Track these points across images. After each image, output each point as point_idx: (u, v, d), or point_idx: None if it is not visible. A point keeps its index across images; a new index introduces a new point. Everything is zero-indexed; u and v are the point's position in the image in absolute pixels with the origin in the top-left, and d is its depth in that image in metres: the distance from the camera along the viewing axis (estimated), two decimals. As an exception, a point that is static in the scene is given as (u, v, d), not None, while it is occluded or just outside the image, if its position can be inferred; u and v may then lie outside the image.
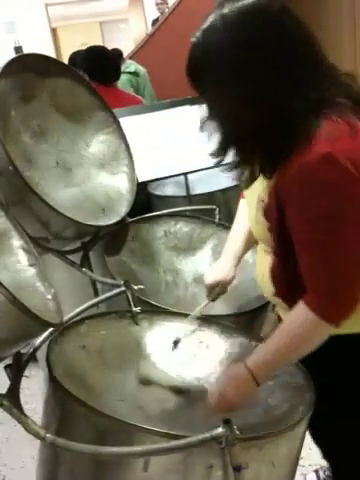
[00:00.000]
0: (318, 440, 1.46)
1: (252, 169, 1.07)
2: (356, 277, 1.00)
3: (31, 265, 1.12)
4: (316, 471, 1.86)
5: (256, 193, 1.12)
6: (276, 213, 1.05)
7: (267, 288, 1.21)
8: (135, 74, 5.41)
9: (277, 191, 1.02)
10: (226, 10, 0.96)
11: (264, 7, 0.95)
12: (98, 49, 3.03)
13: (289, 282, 1.11)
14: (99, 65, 2.52)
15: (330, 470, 1.70)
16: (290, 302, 1.09)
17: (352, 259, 0.99)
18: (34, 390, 2.32)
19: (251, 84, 0.95)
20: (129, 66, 5.47)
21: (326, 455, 1.50)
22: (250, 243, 1.41)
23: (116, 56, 2.87)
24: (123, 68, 5.52)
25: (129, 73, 5.43)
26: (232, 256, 1.42)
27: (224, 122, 1.02)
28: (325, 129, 0.96)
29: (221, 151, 1.05)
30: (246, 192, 1.22)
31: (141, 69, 5.46)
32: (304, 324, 1.02)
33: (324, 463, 1.87)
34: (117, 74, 2.92)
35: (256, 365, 1.06)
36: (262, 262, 1.23)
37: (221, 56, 0.95)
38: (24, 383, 2.64)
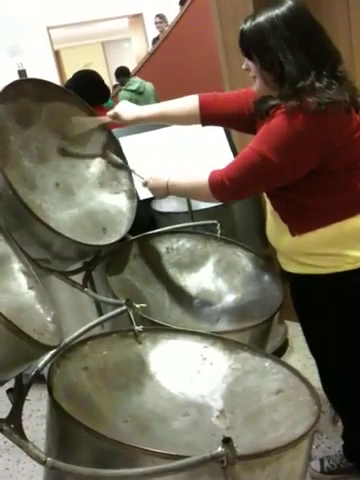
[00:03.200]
0: (327, 388, 1.71)
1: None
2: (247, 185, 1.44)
3: (31, 288, 1.13)
4: (321, 459, 1.87)
5: None
6: None
7: (279, 243, 1.57)
8: (136, 92, 5.44)
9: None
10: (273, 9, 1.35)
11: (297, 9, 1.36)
12: (84, 74, 3.07)
13: (290, 210, 1.48)
14: (86, 89, 2.58)
15: (335, 457, 1.78)
16: (296, 227, 1.48)
17: (257, 175, 1.40)
18: (45, 412, 2.32)
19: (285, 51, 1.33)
20: (132, 84, 5.51)
21: (334, 403, 1.77)
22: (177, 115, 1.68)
23: (102, 79, 2.98)
24: (125, 85, 5.60)
25: (130, 91, 5.48)
26: (147, 108, 1.71)
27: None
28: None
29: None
30: None
31: (148, 86, 5.48)
32: (203, 185, 1.47)
33: (331, 453, 1.89)
34: (105, 96, 2.97)
35: (173, 183, 1.58)
36: (271, 221, 1.58)
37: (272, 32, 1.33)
38: (34, 405, 2.65)
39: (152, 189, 1.67)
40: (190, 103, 1.63)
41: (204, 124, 1.66)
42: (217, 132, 2.18)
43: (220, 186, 1.44)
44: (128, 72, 5.83)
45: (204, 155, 2.16)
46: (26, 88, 1.55)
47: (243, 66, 1.45)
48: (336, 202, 1.43)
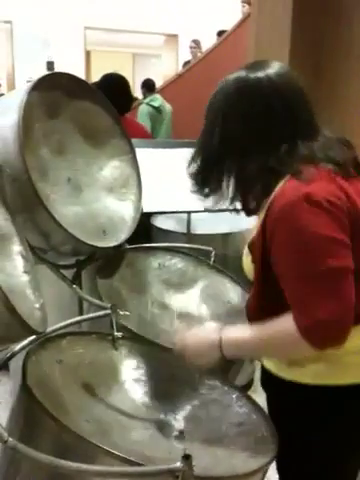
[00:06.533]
0: None
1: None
2: (344, 308, 1.03)
3: (25, 272, 1.15)
4: None
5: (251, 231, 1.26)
6: (261, 246, 1.14)
7: None
8: (157, 109, 5.50)
9: (264, 227, 1.13)
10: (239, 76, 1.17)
11: (266, 81, 1.14)
12: (114, 80, 2.99)
13: (264, 310, 1.15)
14: (113, 96, 2.59)
15: None
16: None
17: (338, 290, 1.04)
18: (1, 399, 2.31)
19: (248, 136, 1.14)
20: (155, 100, 5.56)
21: None
22: None
23: (129, 88, 2.95)
24: (147, 100, 5.65)
25: (152, 107, 5.53)
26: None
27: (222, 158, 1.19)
28: (305, 172, 1.09)
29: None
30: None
31: (167, 107, 5.55)
32: (290, 337, 1.07)
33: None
34: (129, 106, 2.95)
35: (228, 339, 1.15)
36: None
37: (227, 113, 1.16)
38: (-6, 392, 2.59)
39: (196, 354, 1.21)
40: None
41: None
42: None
43: (323, 329, 1.03)
44: (154, 87, 5.87)
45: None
46: (60, 81, 1.59)
47: None
48: None
